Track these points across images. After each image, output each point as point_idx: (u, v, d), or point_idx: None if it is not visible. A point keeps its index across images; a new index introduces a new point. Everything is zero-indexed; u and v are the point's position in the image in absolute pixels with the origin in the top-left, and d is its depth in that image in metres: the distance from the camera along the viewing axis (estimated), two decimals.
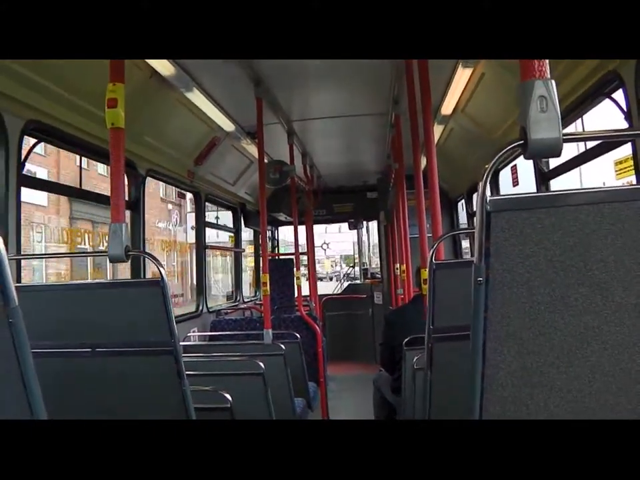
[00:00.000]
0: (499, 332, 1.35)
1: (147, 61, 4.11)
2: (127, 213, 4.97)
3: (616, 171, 3.41)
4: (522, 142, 1.31)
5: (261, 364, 3.84)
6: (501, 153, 1.31)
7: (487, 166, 1.31)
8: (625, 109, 3.08)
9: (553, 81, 1.31)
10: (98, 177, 14.36)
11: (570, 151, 3.97)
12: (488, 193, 1.27)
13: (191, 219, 9.00)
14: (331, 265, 41.95)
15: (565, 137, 1.29)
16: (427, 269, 2.67)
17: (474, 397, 1.38)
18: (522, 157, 1.37)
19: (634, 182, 3.25)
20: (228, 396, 2.92)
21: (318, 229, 11.17)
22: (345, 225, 12.04)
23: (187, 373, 2.30)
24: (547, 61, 1.32)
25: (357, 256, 15.10)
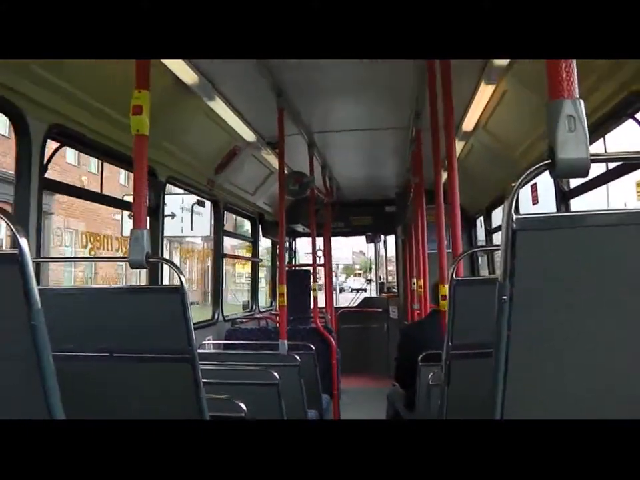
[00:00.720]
0: (521, 351, 1.34)
1: (170, 68, 4.14)
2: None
3: (638, 192, 3.40)
4: (549, 161, 1.30)
5: (276, 374, 3.83)
6: (528, 172, 1.31)
7: (513, 184, 1.30)
8: None
9: (582, 101, 1.31)
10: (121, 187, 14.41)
11: (591, 171, 3.95)
12: (514, 211, 1.27)
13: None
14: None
15: (592, 158, 1.29)
16: (447, 285, 2.66)
17: (494, 415, 1.37)
18: (541, 175, 1.37)
19: None
20: (242, 405, 2.92)
21: None
22: None
23: (202, 380, 2.30)
24: (576, 80, 1.32)
25: (372, 269, 15.08)
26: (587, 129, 1.29)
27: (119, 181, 19.57)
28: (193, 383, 2.24)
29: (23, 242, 1.36)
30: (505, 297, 1.30)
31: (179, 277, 2.18)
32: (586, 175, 1.32)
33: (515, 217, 1.27)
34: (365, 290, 15.63)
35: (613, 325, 1.34)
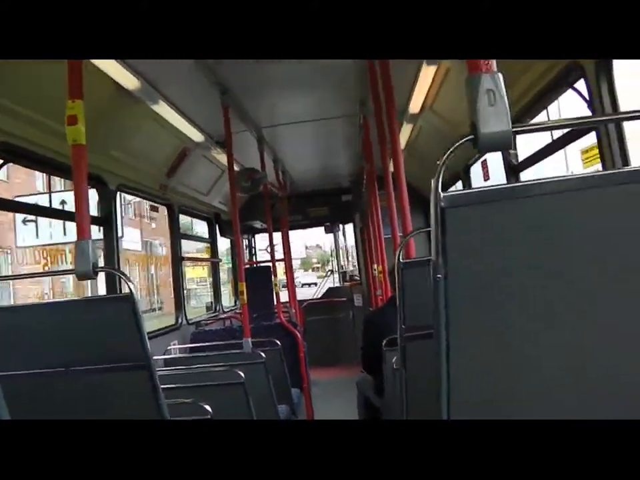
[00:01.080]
0: (461, 329, 1.34)
1: (108, 74, 4.08)
2: (96, 229, 4.95)
3: (583, 160, 3.44)
4: (472, 136, 1.29)
5: (241, 373, 3.82)
6: (451, 149, 1.30)
7: (438, 162, 1.30)
8: (588, 99, 3.10)
9: (500, 74, 1.30)
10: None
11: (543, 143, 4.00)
12: (441, 189, 1.26)
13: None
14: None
15: (514, 129, 1.29)
16: (395, 268, 2.67)
17: (442, 397, 1.37)
18: (492, 152, 1.37)
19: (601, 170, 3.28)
20: (208, 407, 2.90)
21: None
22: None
23: (167, 386, 2.28)
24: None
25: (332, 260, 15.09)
26: (506, 101, 1.29)
27: (37, 188, 19.22)
28: (152, 389, 2.22)
29: None
30: (439, 276, 1.29)
31: (127, 285, 2.15)
32: (510, 147, 1.32)
33: (442, 194, 1.26)
34: (315, 284, 15.56)
35: (557, 299, 1.34)
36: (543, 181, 1.28)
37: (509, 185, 1.27)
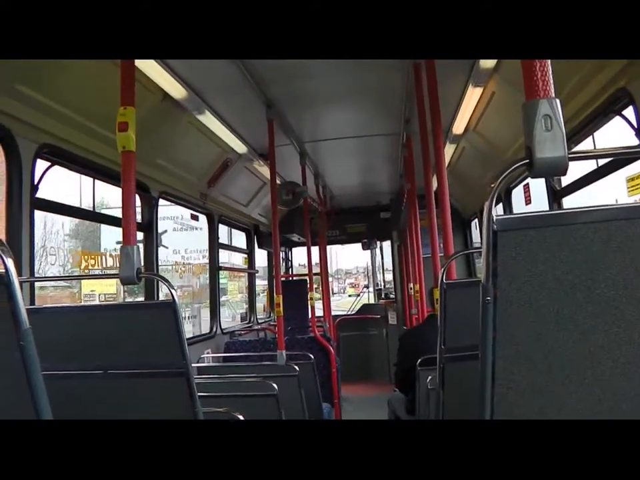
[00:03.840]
0: (507, 351, 1.33)
1: (158, 84, 4.15)
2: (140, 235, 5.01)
3: (628, 188, 3.40)
4: (527, 161, 1.29)
5: (275, 385, 3.83)
6: (506, 173, 1.30)
7: (492, 185, 1.30)
8: (636, 126, 3.08)
9: (558, 100, 1.30)
10: None
11: (585, 168, 3.97)
12: (494, 212, 1.26)
13: None
14: None
15: (570, 156, 1.28)
16: (438, 289, 2.66)
17: (484, 417, 1.36)
18: (546, 177, 1.36)
19: None
20: (241, 417, 2.91)
21: None
22: None
23: (200, 394, 2.29)
24: (551, 80, 1.32)
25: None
26: (563, 127, 1.28)
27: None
28: (189, 397, 2.23)
29: (9, 262, 1.35)
30: (488, 299, 1.29)
31: (170, 291, 2.17)
32: (564, 173, 1.32)
33: (495, 217, 1.25)
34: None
35: (602, 321, 1.33)
36: (591, 209, 1.27)
37: (559, 211, 1.27)
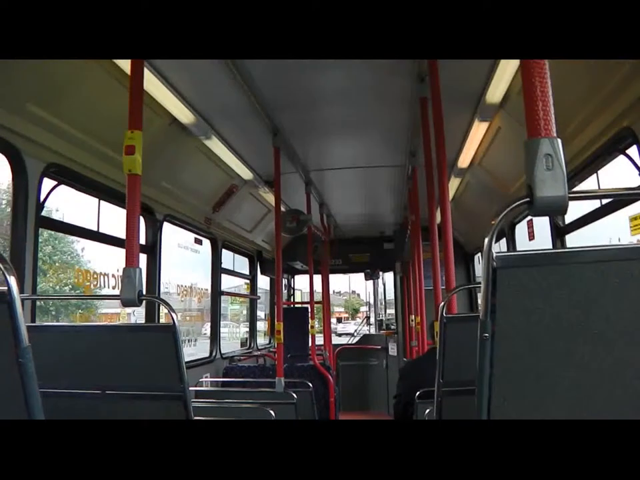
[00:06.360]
0: (503, 388, 1.33)
1: (166, 108, 4.19)
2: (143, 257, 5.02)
3: (631, 227, 3.41)
4: (528, 199, 1.30)
5: (272, 412, 3.81)
6: (506, 210, 1.30)
7: (492, 222, 1.31)
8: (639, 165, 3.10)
9: (559, 140, 1.31)
10: None
11: (590, 204, 3.98)
12: (494, 249, 1.27)
13: None
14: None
15: (571, 195, 1.29)
16: (438, 322, 2.66)
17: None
18: (546, 215, 1.37)
19: None
20: None
21: None
22: None
23: (197, 418, 2.29)
24: (553, 119, 1.32)
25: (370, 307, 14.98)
26: (564, 167, 1.29)
27: None
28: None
29: (12, 280, 1.36)
30: (486, 335, 1.29)
31: (170, 315, 2.17)
32: (564, 212, 1.32)
33: (494, 254, 1.26)
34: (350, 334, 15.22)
35: (598, 359, 1.33)
36: (590, 248, 1.28)
37: (559, 250, 1.28)
